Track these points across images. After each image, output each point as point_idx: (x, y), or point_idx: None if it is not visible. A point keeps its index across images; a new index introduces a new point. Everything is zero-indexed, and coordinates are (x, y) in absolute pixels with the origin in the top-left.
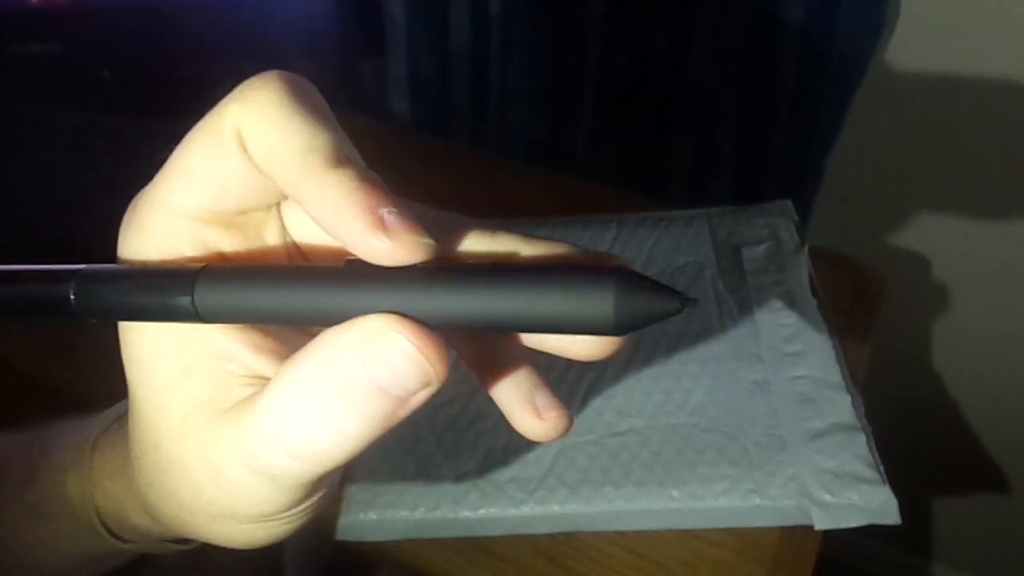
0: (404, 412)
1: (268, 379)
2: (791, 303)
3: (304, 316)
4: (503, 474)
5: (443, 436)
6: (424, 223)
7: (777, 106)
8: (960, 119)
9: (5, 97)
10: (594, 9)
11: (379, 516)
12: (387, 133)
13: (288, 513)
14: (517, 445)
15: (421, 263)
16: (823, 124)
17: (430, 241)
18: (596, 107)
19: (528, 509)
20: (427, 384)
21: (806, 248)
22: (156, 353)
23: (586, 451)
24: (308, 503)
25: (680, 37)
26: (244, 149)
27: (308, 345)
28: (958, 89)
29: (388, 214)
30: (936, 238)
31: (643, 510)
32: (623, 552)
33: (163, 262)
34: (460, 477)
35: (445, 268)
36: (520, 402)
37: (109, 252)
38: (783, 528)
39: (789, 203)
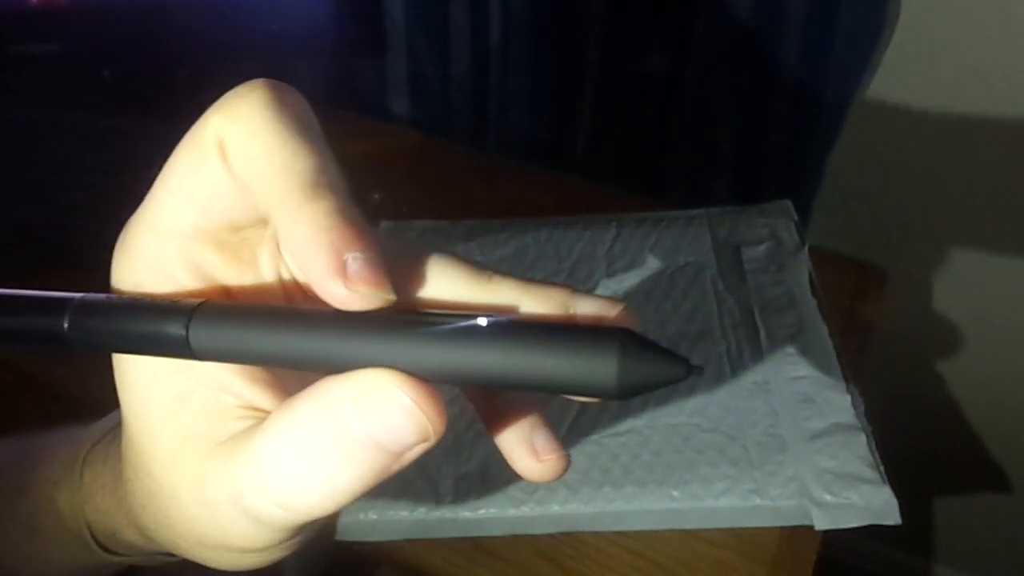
0: (398, 466)
1: (263, 411)
2: (791, 303)
3: (301, 362)
4: (503, 474)
5: (443, 436)
6: (402, 268)
7: (777, 106)
8: (960, 119)
9: (5, 97)
10: (594, 9)
11: (379, 516)
12: (387, 133)
13: (277, 547)
14: None
15: (423, 315)
16: (823, 124)
17: (390, 296)
18: (596, 107)
19: (528, 509)
20: (424, 439)
21: (806, 248)
22: (150, 379)
23: (586, 451)
24: (297, 539)
25: (680, 37)
26: (226, 159)
27: (303, 393)
28: (958, 89)
29: (352, 260)
30: (936, 238)
31: (643, 510)
32: (623, 552)
33: (155, 296)
34: (460, 477)
35: (444, 323)
36: (519, 442)
37: (108, 253)
38: (783, 528)
39: (789, 203)
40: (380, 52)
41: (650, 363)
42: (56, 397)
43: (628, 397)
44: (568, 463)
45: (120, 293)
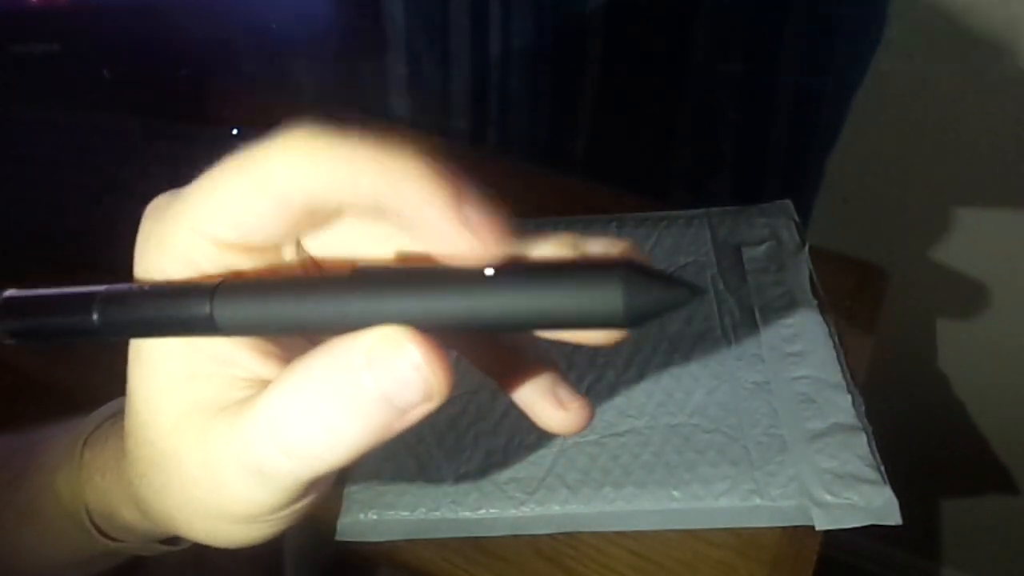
0: (401, 425)
1: (271, 382)
2: (791, 303)
3: (321, 326)
4: (503, 474)
5: (443, 436)
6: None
7: (777, 106)
8: (960, 118)
9: (5, 97)
10: (594, 9)
11: (379, 516)
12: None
13: (275, 515)
14: (517, 445)
15: (436, 270)
16: (823, 124)
17: (507, 240)
18: (596, 107)
19: (528, 509)
20: (429, 398)
21: (806, 248)
22: (162, 354)
23: (586, 451)
24: (296, 506)
25: (680, 37)
26: (289, 196)
27: (316, 349)
28: (958, 88)
29: (468, 210)
30: (936, 238)
31: (643, 510)
32: (623, 552)
33: (179, 282)
34: (460, 477)
35: (456, 275)
36: (542, 395)
37: (109, 252)
38: (783, 528)
39: (789, 203)
40: (380, 52)
41: (654, 289)
42: (56, 397)
43: (636, 325)
44: (593, 412)
45: (143, 280)
